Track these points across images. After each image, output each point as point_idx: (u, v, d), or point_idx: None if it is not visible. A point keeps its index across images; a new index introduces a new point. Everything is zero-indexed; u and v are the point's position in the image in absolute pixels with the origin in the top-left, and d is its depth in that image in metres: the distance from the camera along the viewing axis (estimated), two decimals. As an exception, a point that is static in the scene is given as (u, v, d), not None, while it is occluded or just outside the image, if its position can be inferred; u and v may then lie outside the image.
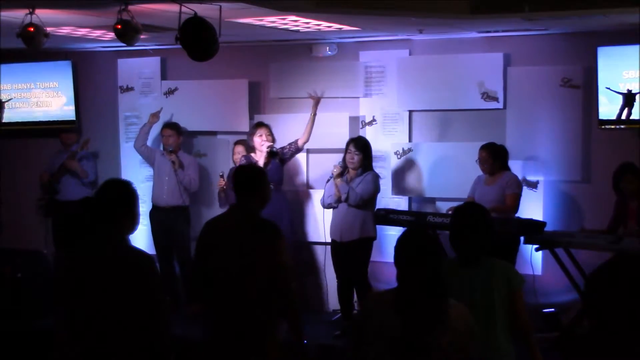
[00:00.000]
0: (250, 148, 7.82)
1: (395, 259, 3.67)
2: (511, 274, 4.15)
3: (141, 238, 8.36)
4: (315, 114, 7.63)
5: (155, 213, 8.23)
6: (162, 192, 8.17)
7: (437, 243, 3.73)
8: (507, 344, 4.10)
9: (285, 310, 4.52)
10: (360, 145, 7.30)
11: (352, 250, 7.24)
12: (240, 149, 7.95)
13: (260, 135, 7.61)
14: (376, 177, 7.32)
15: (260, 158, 7.56)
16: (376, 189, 7.32)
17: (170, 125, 8.28)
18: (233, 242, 4.44)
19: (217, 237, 4.55)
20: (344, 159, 7.35)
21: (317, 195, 8.09)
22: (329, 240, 7.78)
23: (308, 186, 8.41)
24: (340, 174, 7.25)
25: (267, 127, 7.69)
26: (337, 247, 7.35)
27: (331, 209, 7.46)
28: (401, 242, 3.69)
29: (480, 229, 4.09)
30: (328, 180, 7.31)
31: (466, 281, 4.02)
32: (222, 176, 7.90)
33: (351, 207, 7.20)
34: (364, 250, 7.27)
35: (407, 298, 3.41)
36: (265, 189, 4.63)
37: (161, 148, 8.40)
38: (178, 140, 8.26)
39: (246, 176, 4.63)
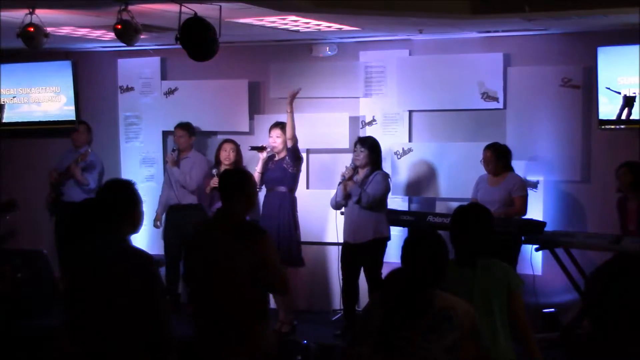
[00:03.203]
0: (238, 147, 7.88)
1: (403, 258, 3.68)
2: (509, 275, 4.16)
3: (149, 237, 8.38)
4: (292, 111, 7.51)
5: (170, 212, 8.27)
6: (172, 192, 8.18)
7: (444, 245, 3.73)
8: (507, 345, 4.10)
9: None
10: (366, 143, 7.26)
11: (365, 251, 7.19)
12: (232, 146, 7.91)
13: (271, 136, 7.61)
14: (386, 177, 7.28)
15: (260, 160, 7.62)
16: (387, 189, 7.26)
17: (182, 126, 8.26)
18: (214, 245, 4.44)
19: (200, 240, 4.56)
20: (353, 159, 7.32)
21: (317, 195, 8.10)
22: (329, 240, 7.79)
23: (308, 186, 8.41)
24: (351, 176, 7.21)
25: (279, 128, 7.58)
26: (350, 248, 7.27)
27: (339, 210, 7.42)
28: (410, 243, 3.71)
29: (478, 231, 4.10)
30: (340, 183, 7.25)
31: (464, 281, 4.03)
32: (216, 175, 7.85)
33: (363, 209, 7.16)
34: (378, 251, 7.20)
35: (390, 288, 3.39)
36: (251, 192, 4.60)
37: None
38: (189, 141, 8.26)
39: (232, 179, 4.62)
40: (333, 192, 7.50)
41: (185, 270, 4.67)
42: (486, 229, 4.14)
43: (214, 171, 7.87)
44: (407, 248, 3.72)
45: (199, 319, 4.52)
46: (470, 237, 4.09)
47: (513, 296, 4.11)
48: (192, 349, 4.51)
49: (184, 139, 8.21)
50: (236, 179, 4.62)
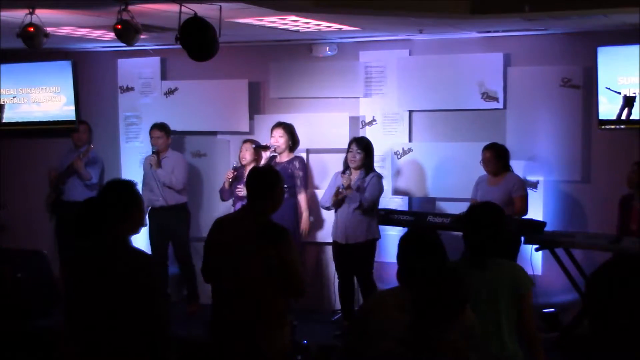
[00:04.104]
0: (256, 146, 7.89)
1: (398, 256, 3.68)
2: (519, 276, 4.14)
3: (141, 239, 8.36)
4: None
5: (153, 213, 8.22)
6: (157, 195, 8.16)
7: (439, 241, 3.74)
8: (514, 346, 4.09)
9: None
10: (362, 144, 7.28)
11: (358, 252, 7.22)
12: (247, 146, 7.92)
13: (273, 136, 7.62)
14: (380, 179, 7.31)
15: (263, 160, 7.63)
16: (381, 191, 7.32)
17: (159, 127, 8.22)
18: (237, 243, 4.43)
19: (223, 236, 4.54)
20: (345, 158, 7.33)
21: (316, 196, 8.09)
22: (329, 240, 7.78)
23: (308, 187, 8.40)
24: (349, 184, 7.19)
25: (281, 128, 7.63)
26: (341, 249, 7.31)
27: (330, 210, 7.45)
28: (404, 240, 3.71)
29: (489, 230, 4.09)
30: (342, 191, 7.22)
31: (473, 282, 4.02)
32: (234, 169, 7.83)
33: (356, 210, 7.16)
34: (369, 252, 7.27)
35: (425, 298, 3.38)
36: (278, 192, 4.56)
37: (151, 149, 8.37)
38: (167, 141, 8.25)
39: (259, 178, 4.60)
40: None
41: (206, 268, 4.65)
42: (498, 228, 4.13)
43: (234, 163, 7.88)
44: (403, 247, 3.72)
45: (219, 316, 4.51)
46: (481, 237, 4.09)
47: (521, 297, 4.09)
48: (206, 348, 4.51)
49: (162, 139, 8.19)
50: (266, 178, 4.59)
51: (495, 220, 4.15)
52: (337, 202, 7.24)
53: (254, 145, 7.82)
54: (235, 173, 7.77)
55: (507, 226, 4.25)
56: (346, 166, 7.33)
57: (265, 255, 4.33)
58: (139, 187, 4.04)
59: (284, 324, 4.49)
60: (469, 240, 4.13)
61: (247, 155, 7.82)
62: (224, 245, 4.48)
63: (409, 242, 3.77)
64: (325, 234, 8.11)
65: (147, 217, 8.23)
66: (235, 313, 4.41)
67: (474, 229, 4.11)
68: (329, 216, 7.77)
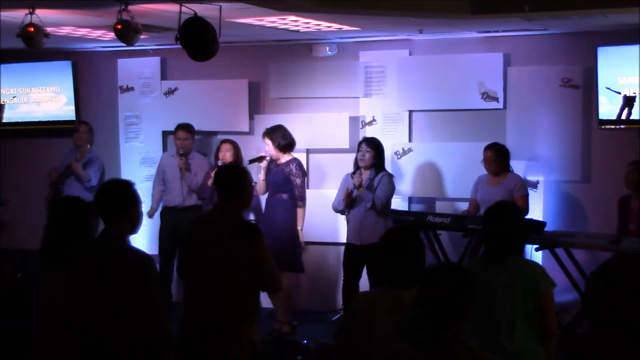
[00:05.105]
0: (237, 147, 7.88)
1: (381, 257, 3.71)
2: (538, 276, 4.15)
3: (147, 237, 8.37)
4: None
5: (166, 213, 8.19)
6: (174, 194, 8.12)
7: (416, 242, 3.77)
8: (528, 344, 4.12)
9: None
10: (371, 143, 7.22)
11: (373, 253, 7.15)
12: (227, 147, 7.90)
13: (265, 144, 7.58)
14: (391, 178, 7.23)
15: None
16: (393, 190, 7.25)
17: (186, 128, 8.12)
18: (214, 244, 4.44)
19: (198, 234, 4.56)
20: (355, 159, 7.27)
21: (316, 196, 8.09)
22: (328, 240, 7.77)
23: (308, 186, 8.39)
24: (360, 183, 7.14)
25: (266, 137, 7.48)
26: (356, 250, 7.19)
27: (344, 214, 7.39)
28: (382, 241, 3.75)
29: (508, 230, 4.13)
30: (352, 192, 7.17)
31: (489, 279, 4.04)
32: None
33: (370, 210, 7.11)
34: None
35: (422, 298, 3.40)
36: (247, 189, 4.61)
37: (171, 150, 8.34)
38: (193, 142, 8.22)
39: (227, 176, 4.63)
40: (332, 192, 7.49)
41: (181, 266, 4.67)
42: (517, 226, 4.17)
43: (219, 163, 7.88)
44: (382, 248, 3.75)
45: (191, 314, 4.53)
46: (499, 236, 4.13)
47: (540, 297, 4.10)
48: (178, 343, 4.50)
49: (189, 141, 8.13)
50: (231, 176, 4.63)
51: (515, 218, 4.20)
52: (349, 204, 7.18)
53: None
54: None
55: (523, 223, 4.30)
56: (356, 166, 7.27)
57: (240, 253, 4.37)
58: (137, 187, 4.03)
59: (255, 321, 4.53)
60: (488, 238, 4.17)
61: (228, 155, 7.79)
62: (199, 243, 4.50)
63: (388, 242, 3.79)
64: (326, 235, 8.11)
65: (159, 215, 8.25)
66: (209, 310, 4.42)
67: (492, 229, 4.15)
68: (329, 217, 7.75)
